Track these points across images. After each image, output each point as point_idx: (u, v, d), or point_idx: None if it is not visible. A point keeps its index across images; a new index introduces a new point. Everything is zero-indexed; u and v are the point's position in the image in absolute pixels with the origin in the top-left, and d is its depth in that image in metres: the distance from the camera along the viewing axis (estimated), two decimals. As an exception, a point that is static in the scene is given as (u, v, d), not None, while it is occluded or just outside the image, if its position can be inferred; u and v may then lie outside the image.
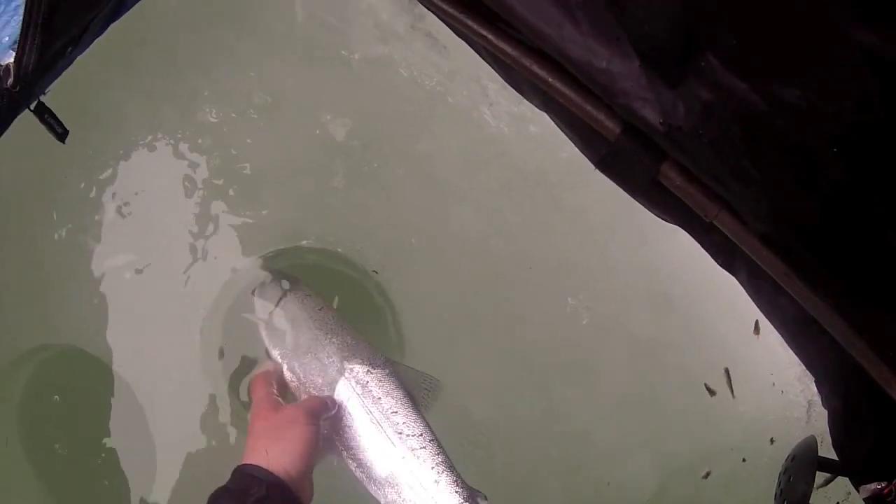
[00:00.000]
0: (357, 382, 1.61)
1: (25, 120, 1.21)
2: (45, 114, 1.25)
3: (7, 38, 1.18)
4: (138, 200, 1.97)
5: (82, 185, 1.97)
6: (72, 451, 1.95)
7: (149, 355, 1.97)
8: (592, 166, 1.46)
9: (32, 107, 1.22)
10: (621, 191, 1.36)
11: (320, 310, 1.75)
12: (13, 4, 1.25)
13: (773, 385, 1.80)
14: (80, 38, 1.27)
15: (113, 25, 1.34)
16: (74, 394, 1.99)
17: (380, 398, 1.60)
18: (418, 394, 1.66)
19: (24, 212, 1.97)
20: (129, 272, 1.97)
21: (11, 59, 1.11)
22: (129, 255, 1.97)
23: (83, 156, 1.96)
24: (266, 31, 1.97)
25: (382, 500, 1.54)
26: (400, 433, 1.56)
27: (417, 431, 1.57)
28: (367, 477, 1.56)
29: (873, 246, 0.97)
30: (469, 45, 1.53)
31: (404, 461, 1.52)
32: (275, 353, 1.74)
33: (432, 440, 1.56)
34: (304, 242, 2.01)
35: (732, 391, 1.80)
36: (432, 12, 1.60)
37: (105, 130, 1.96)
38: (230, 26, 1.97)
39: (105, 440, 1.96)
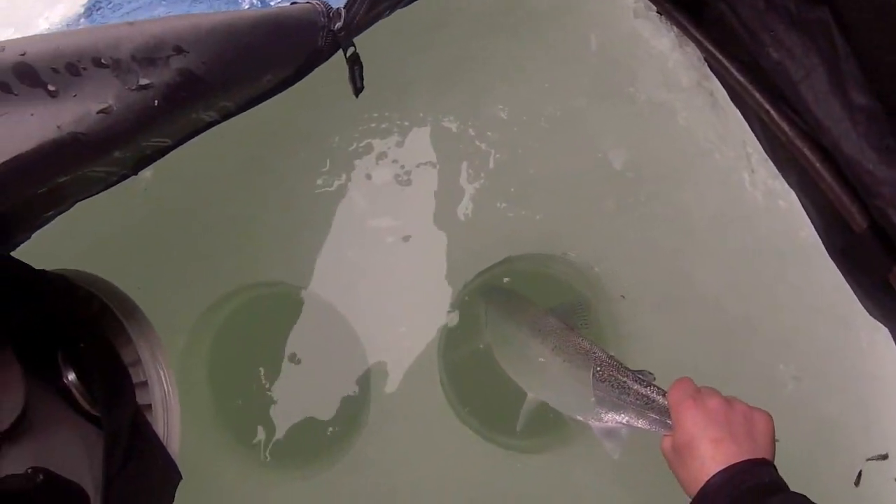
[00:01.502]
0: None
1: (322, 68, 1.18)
2: (356, 64, 1.24)
3: (289, -18, 1.21)
4: (418, 172, 2.02)
5: (363, 144, 2.04)
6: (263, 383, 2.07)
7: (391, 320, 2.05)
8: (823, 251, 1.52)
9: (348, 54, 1.21)
10: (838, 278, 1.46)
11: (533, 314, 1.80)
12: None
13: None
14: (397, 5, 1.30)
15: (414, 4, 1.33)
16: (297, 333, 2.07)
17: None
18: (577, 317, 1.71)
19: (295, 152, 1.99)
20: (392, 237, 2.02)
21: (342, 5, 1.13)
22: (396, 221, 2.03)
23: (367, 119, 2.03)
24: (562, 48, 2.01)
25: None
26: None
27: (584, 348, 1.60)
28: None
29: None
30: (742, 114, 1.65)
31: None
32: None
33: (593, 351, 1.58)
34: (568, 253, 2.07)
35: (861, 474, 1.82)
36: (719, 79, 1.71)
37: (391, 102, 2.02)
38: (529, 35, 2.01)
39: (325, 386, 2.10)
